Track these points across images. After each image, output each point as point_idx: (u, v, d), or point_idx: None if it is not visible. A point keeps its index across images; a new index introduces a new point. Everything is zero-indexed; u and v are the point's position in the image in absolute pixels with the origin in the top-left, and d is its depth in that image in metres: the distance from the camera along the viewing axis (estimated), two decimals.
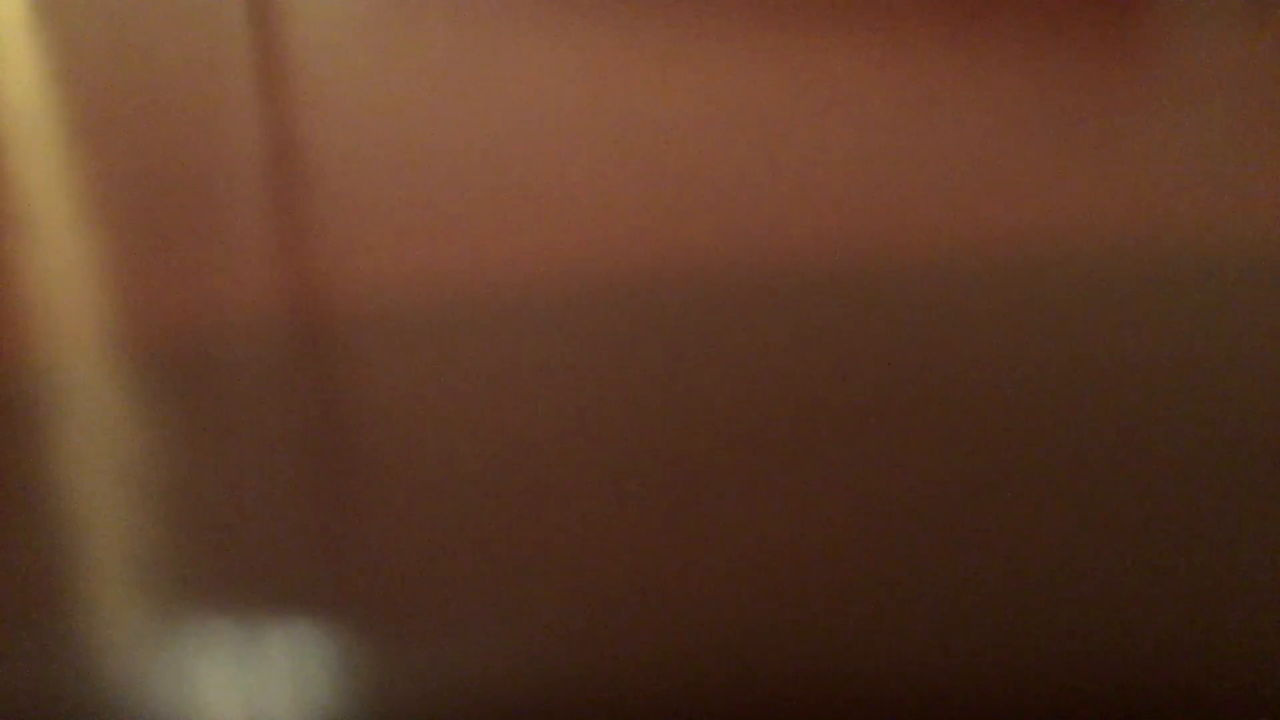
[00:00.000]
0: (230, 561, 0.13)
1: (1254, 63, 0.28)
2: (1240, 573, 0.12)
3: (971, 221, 0.20)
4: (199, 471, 0.15)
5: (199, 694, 0.12)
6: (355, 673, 0.12)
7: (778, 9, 0.34)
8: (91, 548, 0.14)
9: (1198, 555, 0.13)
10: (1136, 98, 0.26)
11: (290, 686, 0.12)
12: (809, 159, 0.23)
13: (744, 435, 0.15)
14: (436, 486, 0.14)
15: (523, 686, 0.11)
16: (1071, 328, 0.17)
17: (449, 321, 0.18)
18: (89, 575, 0.13)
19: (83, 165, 0.25)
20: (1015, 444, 0.15)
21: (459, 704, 0.11)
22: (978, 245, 0.20)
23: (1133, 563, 0.13)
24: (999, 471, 0.14)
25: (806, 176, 0.22)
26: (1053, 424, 0.15)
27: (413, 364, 0.17)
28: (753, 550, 0.13)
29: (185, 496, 0.14)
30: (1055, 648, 0.12)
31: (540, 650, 0.12)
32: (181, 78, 0.30)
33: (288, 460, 0.15)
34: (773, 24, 0.33)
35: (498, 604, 0.12)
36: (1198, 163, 0.22)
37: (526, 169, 0.23)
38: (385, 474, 0.15)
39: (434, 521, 0.14)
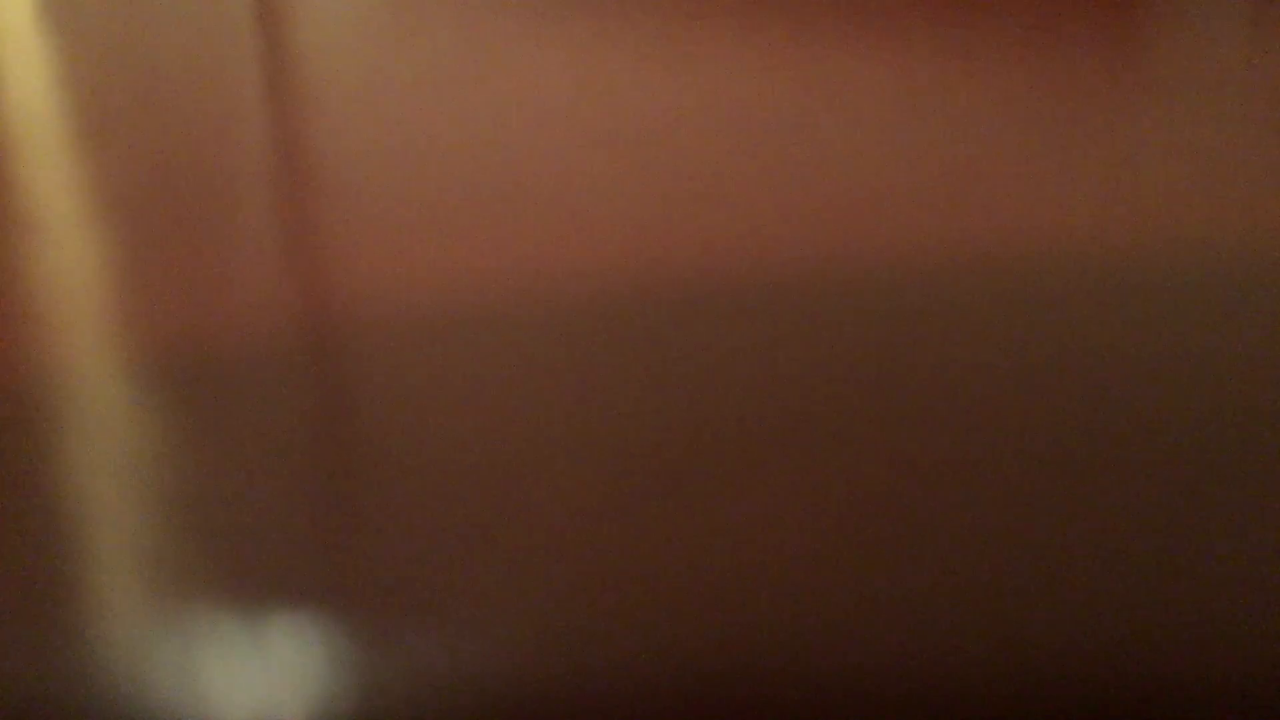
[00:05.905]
0: (234, 562, 0.13)
1: (1254, 63, 0.28)
2: (1238, 572, 0.12)
3: (970, 223, 0.20)
4: (204, 472, 0.15)
5: (203, 693, 0.12)
6: (358, 672, 0.12)
7: (777, 9, 0.34)
8: (98, 550, 0.14)
9: (1194, 555, 0.13)
10: (1136, 98, 0.26)
11: (293, 686, 0.12)
12: (808, 160, 0.23)
13: (744, 436, 0.15)
14: (439, 487, 0.14)
15: (523, 684, 0.11)
16: (1070, 329, 0.17)
17: (451, 323, 0.18)
18: (96, 577, 0.13)
19: (89, 167, 0.25)
20: (1013, 445, 0.15)
21: (460, 703, 0.11)
22: (976, 246, 0.20)
23: (1128, 561, 0.13)
24: (997, 473, 0.14)
25: (805, 178, 0.22)
26: (1050, 425, 0.15)
27: (416, 366, 0.17)
28: (748, 549, 0.13)
29: (191, 497, 0.14)
30: (1049, 646, 0.12)
31: (541, 648, 0.12)
32: (188, 80, 0.30)
33: (293, 462, 0.15)
34: (773, 25, 0.33)
35: (500, 603, 0.13)
36: (1197, 163, 0.22)
37: (532, 172, 0.23)
38: (389, 475, 0.15)
39: (437, 522, 0.14)
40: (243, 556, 0.13)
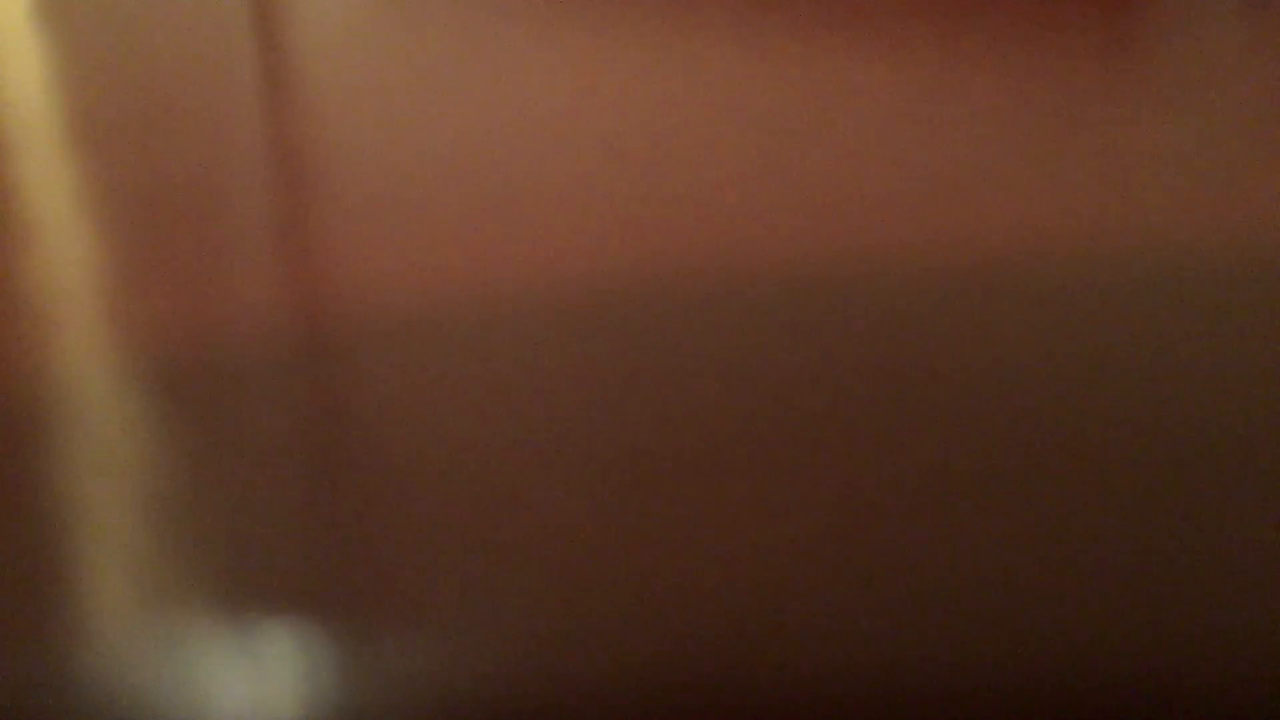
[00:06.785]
0: (231, 565, 0.13)
1: (1253, 63, 0.28)
2: (1240, 573, 0.12)
3: (970, 222, 0.20)
4: (202, 475, 0.15)
5: (200, 697, 0.12)
6: (356, 675, 0.12)
7: (777, 10, 0.34)
8: (95, 553, 0.14)
9: (1188, 556, 0.13)
10: (1134, 97, 0.26)
11: (292, 690, 0.12)
12: (808, 161, 0.23)
13: (744, 437, 0.15)
14: (438, 490, 0.14)
15: (519, 686, 0.11)
16: (1070, 329, 0.17)
17: (451, 325, 0.18)
18: (91, 580, 0.13)
19: (84, 169, 0.25)
20: (1008, 447, 0.15)
21: (459, 706, 0.11)
22: (975, 246, 0.20)
23: (1122, 563, 0.13)
24: (998, 473, 0.14)
25: (805, 178, 0.22)
26: (1044, 427, 0.15)
27: (414, 369, 0.17)
28: (747, 551, 0.13)
29: (188, 500, 0.14)
30: (1051, 647, 0.12)
31: (537, 651, 0.12)
32: (184, 81, 0.30)
33: (292, 465, 0.15)
34: (773, 26, 0.33)
35: (498, 606, 0.12)
36: (1196, 165, 0.22)
37: (531, 173, 0.23)
38: (389, 478, 0.15)
39: (434, 524, 0.14)
40: (240, 559, 0.13)
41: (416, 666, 0.12)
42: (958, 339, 0.17)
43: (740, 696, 0.11)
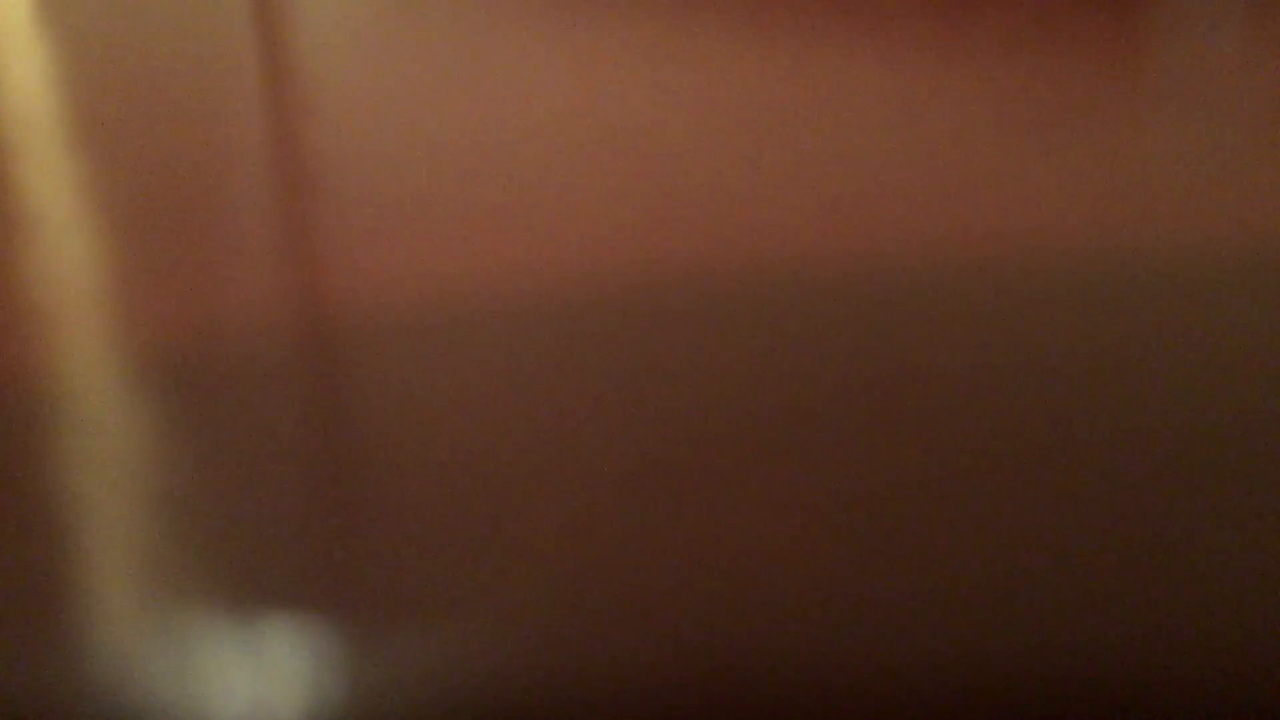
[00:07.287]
0: (233, 564, 0.13)
1: (1254, 63, 0.28)
2: (1239, 575, 0.12)
3: (967, 224, 0.20)
4: (203, 474, 0.15)
5: (202, 695, 0.12)
6: (357, 674, 0.12)
7: (777, 9, 0.34)
8: (96, 552, 0.14)
9: (1186, 557, 0.13)
10: (1134, 97, 0.26)
11: (293, 688, 0.12)
12: (808, 160, 0.23)
13: (743, 435, 0.15)
14: (439, 488, 0.14)
15: (521, 684, 0.11)
16: (1068, 329, 0.17)
17: (451, 324, 0.18)
18: (93, 579, 0.13)
19: (87, 168, 0.25)
20: (1007, 447, 0.15)
21: (460, 704, 0.11)
22: (973, 247, 0.20)
23: (1121, 563, 0.13)
24: (995, 473, 0.14)
25: (804, 178, 0.22)
26: (1043, 425, 0.15)
27: (416, 367, 0.17)
28: (747, 550, 0.13)
29: (189, 499, 0.14)
30: (1044, 648, 0.12)
31: (538, 651, 0.12)
32: (186, 81, 0.30)
33: (293, 463, 0.15)
34: (773, 25, 0.33)
35: (499, 604, 0.13)
36: (1195, 164, 0.22)
37: (531, 172, 0.23)
38: (389, 476, 0.15)
39: (435, 523, 0.14)
40: (241, 558, 0.13)
41: (417, 665, 0.12)
42: (958, 338, 0.17)
43: (741, 696, 0.11)
